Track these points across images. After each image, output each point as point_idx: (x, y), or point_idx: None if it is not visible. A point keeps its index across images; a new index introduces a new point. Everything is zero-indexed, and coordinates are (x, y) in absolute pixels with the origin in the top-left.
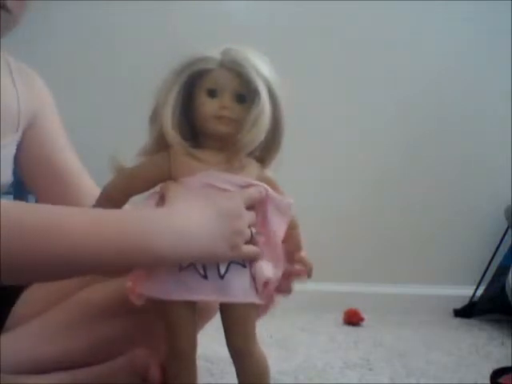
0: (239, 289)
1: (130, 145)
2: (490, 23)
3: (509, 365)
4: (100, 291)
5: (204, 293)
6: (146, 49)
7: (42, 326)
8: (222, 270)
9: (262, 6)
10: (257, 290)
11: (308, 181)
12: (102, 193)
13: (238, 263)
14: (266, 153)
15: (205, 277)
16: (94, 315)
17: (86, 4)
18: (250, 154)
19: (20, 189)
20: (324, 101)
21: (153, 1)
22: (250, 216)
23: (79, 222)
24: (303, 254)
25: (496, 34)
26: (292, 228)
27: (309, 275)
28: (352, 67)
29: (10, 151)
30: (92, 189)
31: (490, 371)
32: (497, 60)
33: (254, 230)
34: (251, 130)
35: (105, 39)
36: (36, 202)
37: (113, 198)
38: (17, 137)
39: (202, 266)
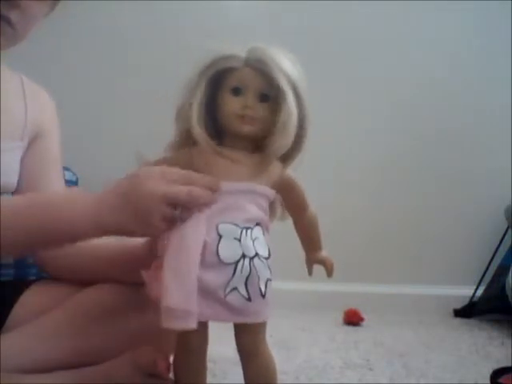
0: (272, 302)
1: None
2: (490, 23)
3: (509, 365)
4: (102, 291)
5: (248, 315)
6: (145, 49)
7: (43, 325)
8: (263, 289)
9: (261, 5)
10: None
11: (307, 182)
12: None
13: (270, 280)
14: (288, 152)
15: (249, 299)
16: (95, 315)
17: (87, 4)
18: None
19: None
20: (324, 100)
21: (154, 1)
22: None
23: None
24: (324, 253)
25: (496, 33)
26: (313, 227)
27: (331, 273)
28: (352, 67)
29: (14, 157)
30: None
31: (490, 371)
32: (497, 60)
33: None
34: (282, 133)
35: (105, 39)
36: None
37: None
38: (22, 145)
39: (245, 288)
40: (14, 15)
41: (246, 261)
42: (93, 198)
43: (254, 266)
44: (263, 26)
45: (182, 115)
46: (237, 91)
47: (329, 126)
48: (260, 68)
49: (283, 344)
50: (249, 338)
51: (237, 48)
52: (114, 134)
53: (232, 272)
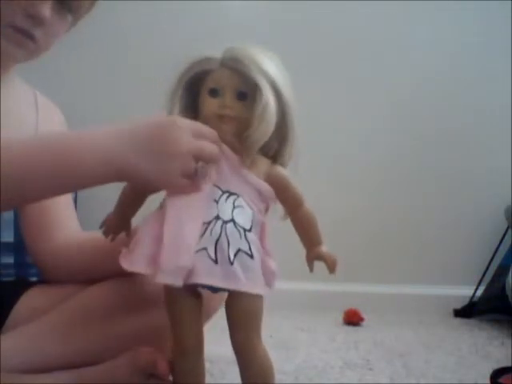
0: (247, 278)
1: None
2: (490, 23)
3: (509, 365)
4: (101, 291)
5: (213, 278)
6: (145, 49)
7: (43, 325)
8: (232, 255)
9: (261, 5)
10: (266, 283)
11: (307, 182)
12: (121, 194)
13: (246, 253)
14: (275, 149)
15: (215, 261)
16: (94, 315)
17: None
18: (263, 152)
19: None
20: (324, 100)
21: (154, 1)
22: (197, 148)
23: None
24: (324, 248)
25: (496, 33)
26: (309, 222)
27: (333, 269)
28: (351, 67)
29: None
30: (75, 230)
31: (490, 371)
32: (497, 60)
33: (202, 169)
34: (259, 126)
35: (104, 39)
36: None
37: (134, 195)
38: None
39: (214, 250)
40: (37, 32)
41: (218, 223)
42: (105, 132)
43: (225, 230)
44: (263, 26)
45: None
46: (214, 92)
47: (329, 126)
48: (235, 67)
49: (283, 344)
50: (241, 337)
51: (213, 50)
52: None
53: (203, 231)
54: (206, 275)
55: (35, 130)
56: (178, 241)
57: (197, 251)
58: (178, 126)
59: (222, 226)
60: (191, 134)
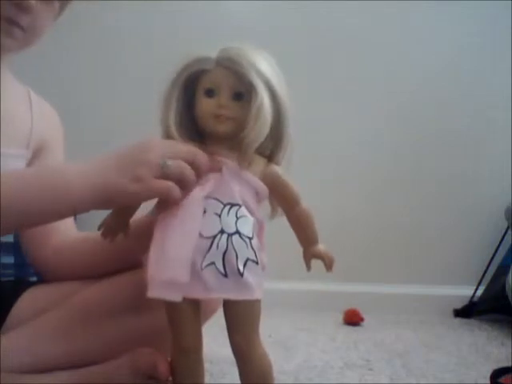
0: (255, 285)
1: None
2: (490, 23)
3: (509, 365)
4: (101, 291)
5: (223, 291)
6: (145, 48)
7: (43, 325)
8: (241, 268)
9: (261, 5)
10: None
11: (307, 181)
12: None
13: (253, 261)
14: (270, 148)
15: (225, 275)
16: (94, 315)
17: (86, 4)
18: (258, 152)
19: None
20: (324, 100)
21: (153, 1)
22: (169, 150)
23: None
24: (321, 247)
25: (496, 33)
26: (305, 221)
27: (330, 267)
28: (351, 67)
29: (18, 165)
30: (73, 232)
31: (490, 371)
32: (497, 60)
33: (170, 163)
34: (254, 126)
35: (104, 39)
36: None
37: None
38: (27, 154)
39: (223, 264)
40: (25, 20)
41: (224, 237)
42: (86, 161)
43: (231, 242)
44: (263, 26)
45: (163, 123)
46: (210, 92)
47: (328, 126)
48: (231, 67)
49: (283, 344)
50: (240, 338)
51: (209, 50)
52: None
53: (208, 246)
54: (218, 289)
55: (30, 128)
56: (166, 255)
57: (205, 266)
58: (152, 140)
59: (227, 239)
60: (169, 146)
